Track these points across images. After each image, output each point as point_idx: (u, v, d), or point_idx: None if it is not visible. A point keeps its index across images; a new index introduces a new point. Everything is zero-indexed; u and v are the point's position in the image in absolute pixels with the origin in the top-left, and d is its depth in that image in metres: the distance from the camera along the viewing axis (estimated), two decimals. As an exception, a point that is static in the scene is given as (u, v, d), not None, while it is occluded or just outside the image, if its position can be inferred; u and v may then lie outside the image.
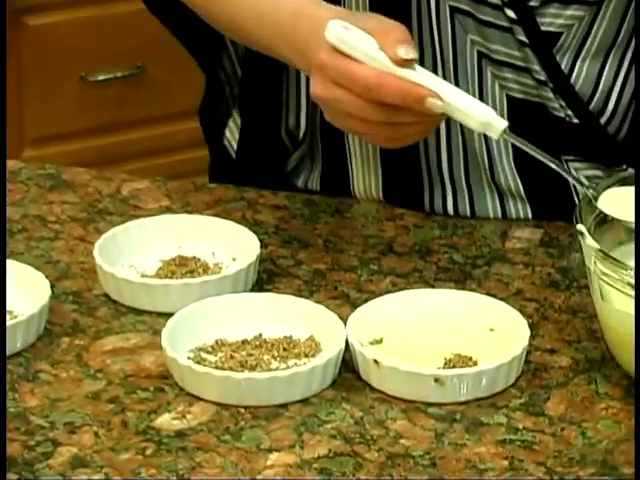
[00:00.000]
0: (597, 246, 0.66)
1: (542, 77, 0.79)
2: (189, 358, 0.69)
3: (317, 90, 0.71)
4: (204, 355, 0.70)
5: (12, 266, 0.75)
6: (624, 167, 0.84)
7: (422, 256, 0.80)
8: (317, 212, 0.85)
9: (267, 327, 0.72)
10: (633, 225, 0.68)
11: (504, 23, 0.78)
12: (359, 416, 0.67)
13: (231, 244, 0.79)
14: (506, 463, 0.64)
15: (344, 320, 0.71)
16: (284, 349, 0.70)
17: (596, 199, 0.69)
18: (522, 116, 0.81)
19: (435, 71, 0.80)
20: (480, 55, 0.79)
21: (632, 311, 0.65)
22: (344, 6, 0.79)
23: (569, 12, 0.79)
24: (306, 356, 0.70)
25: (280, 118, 0.85)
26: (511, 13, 0.78)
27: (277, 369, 0.69)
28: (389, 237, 0.82)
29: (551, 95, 0.80)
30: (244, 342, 0.71)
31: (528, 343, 0.70)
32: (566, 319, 0.74)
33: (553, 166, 0.71)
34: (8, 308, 0.73)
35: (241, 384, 0.67)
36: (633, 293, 0.64)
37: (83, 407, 0.67)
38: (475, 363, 0.69)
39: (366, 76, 0.69)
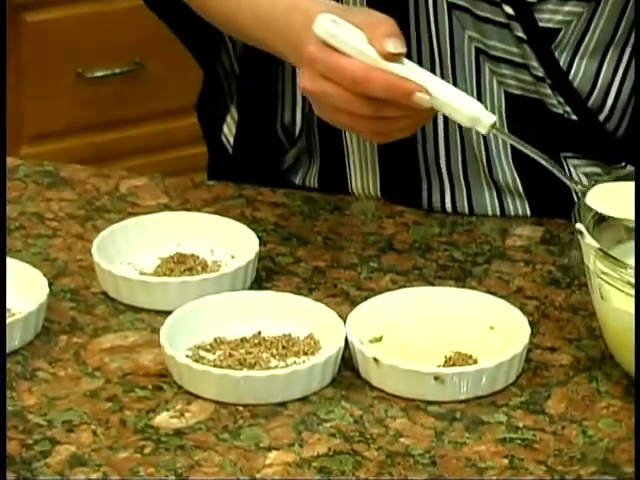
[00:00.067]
0: (596, 245, 0.66)
1: (540, 73, 0.79)
2: (187, 356, 0.69)
3: (306, 83, 0.71)
4: (203, 353, 0.70)
5: (10, 264, 0.74)
6: (623, 164, 0.84)
7: (422, 254, 0.80)
8: (316, 209, 0.84)
9: (266, 325, 0.72)
10: (623, 221, 0.67)
11: (502, 19, 0.78)
12: (359, 414, 0.67)
13: (230, 242, 0.78)
14: (506, 462, 0.64)
15: (343, 318, 0.71)
16: (283, 347, 0.70)
17: (585, 195, 0.69)
18: (520, 113, 0.80)
19: (433, 67, 0.80)
20: (478, 51, 0.79)
21: (632, 310, 0.65)
22: (342, 2, 0.78)
23: (567, 8, 0.78)
24: (305, 354, 0.70)
25: (276, 114, 0.85)
26: (509, 9, 0.78)
27: (276, 367, 0.69)
28: (389, 234, 0.82)
29: (549, 92, 0.80)
30: (243, 340, 0.71)
31: (528, 341, 0.69)
32: (567, 317, 0.74)
33: (542, 162, 0.71)
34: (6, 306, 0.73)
35: (240, 382, 0.67)
36: (633, 292, 0.64)
37: (81, 405, 0.67)
38: (475, 361, 0.69)
39: (354, 70, 0.69)
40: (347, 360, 0.69)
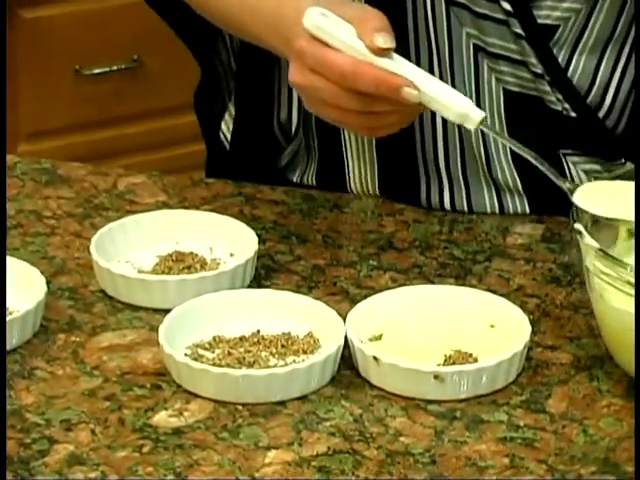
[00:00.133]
0: (596, 245, 0.65)
1: (539, 70, 0.79)
2: (186, 355, 0.69)
3: (295, 77, 0.71)
4: (201, 352, 0.69)
5: (8, 262, 0.74)
6: (622, 161, 0.83)
7: (422, 252, 0.79)
8: (316, 207, 0.84)
9: (265, 323, 0.71)
10: (611, 220, 0.67)
11: (500, 16, 0.78)
12: (358, 413, 0.66)
13: (229, 240, 0.78)
14: (507, 461, 0.63)
15: (343, 316, 0.70)
16: (282, 346, 0.70)
17: (572, 193, 0.69)
18: (519, 110, 0.80)
19: (431, 65, 0.80)
20: (476, 48, 0.79)
21: (631, 310, 0.64)
22: None
23: (566, 5, 0.78)
24: (305, 353, 0.70)
25: (272, 112, 0.85)
26: (507, 5, 0.78)
27: (275, 366, 0.68)
28: (388, 232, 0.81)
29: (548, 88, 0.80)
30: (242, 339, 0.71)
31: (529, 340, 0.69)
32: (568, 315, 0.74)
33: (529, 158, 0.71)
34: (3, 304, 0.72)
35: (239, 381, 0.66)
36: (632, 291, 0.64)
37: (79, 404, 0.67)
38: (475, 360, 0.69)
39: (342, 64, 0.69)
40: (347, 359, 0.69)
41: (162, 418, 0.66)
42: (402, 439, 0.65)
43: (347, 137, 0.84)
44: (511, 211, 0.83)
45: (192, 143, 1.26)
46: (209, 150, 0.92)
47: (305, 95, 0.72)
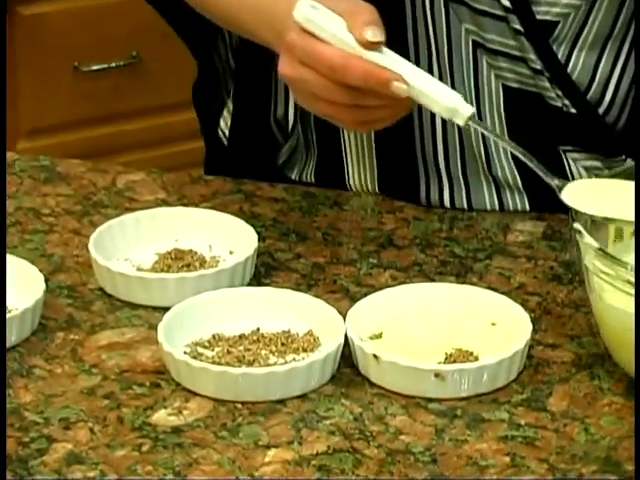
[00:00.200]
0: (596, 244, 0.65)
1: (538, 66, 0.79)
2: (185, 353, 0.69)
3: (285, 69, 0.70)
4: (201, 350, 0.69)
5: (6, 260, 0.74)
6: (623, 157, 0.83)
7: (422, 249, 0.79)
8: (316, 204, 0.84)
9: (265, 322, 0.71)
10: (598, 217, 0.67)
11: (499, 12, 0.78)
12: (358, 412, 0.66)
13: (228, 237, 0.78)
14: (508, 459, 0.63)
15: (343, 314, 0.70)
16: (282, 344, 0.70)
17: (561, 190, 0.68)
18: (519, 106, 0.80)
19: (430, 61, 0.80)
20: (475, 44, 0.79)
21: (631, 309, 0.64)
22: None
23: (565, 1, 0.78)
24: (304, 351, 0.69)
25: (269, 108, 0.85)
26: (506, 1, 0.77)
27: (275, 364, 0.68)
28: (389, 230, 0.81)
29: (547, 85, 0.79)
30: (241, 337, 0.70)
31: (530, 338, 0.69)
32: (569, 313, 0.73)
33: (519, 154, 0.71)
34: (1, 302, 0.72)
35: (238, 379, 0.66)
36: (632, 291, 0.64)
37: (78, 403, 0.67)
38: (476, 358, 0.68)
39: (332, 57, 0.68)
40: (347, 357, 0.69)
41: (161, 417, 0.66)
42: (402, 438, 0.64)
43: (346, 134, 0.84)
44: (511, 208, 0.83)
45: (191, 140, 1.26)
46: (208, 147, 0.92)
47: (295, 88, 0.71)
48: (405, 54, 0.79)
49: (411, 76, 0.69)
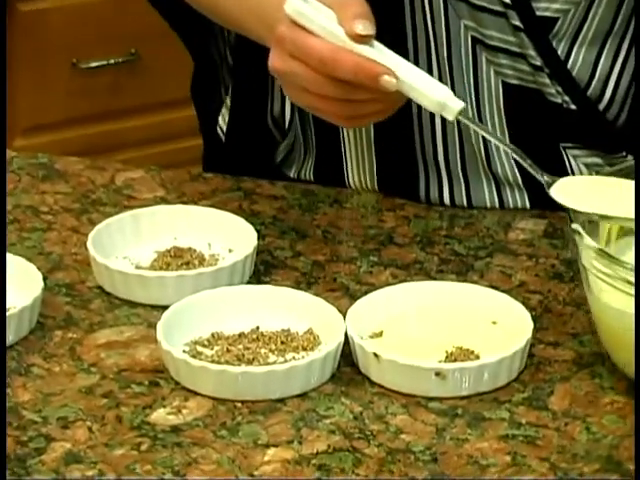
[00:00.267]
0: (596, 245, 0.65)
1: (538, 63, 0.79)
2: (184, 352, 0.68)
3: (274, 62, 0.70)
4: (200, 349, 0.69)
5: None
6: (624, 154, 0.83)
7: (423, 247, 0.79)
8: (315, 202, 0.84)
9: (264, 320, 0.71)
10: (585, 214, 0.66)
11: (498, 8, 0.77)
12: (358, 411, 0.66)
13: (227, 235, 0.77)
14: (509, 459, 0.63)
15: (343, 313, 0.70)
16: (282, 342, 0.69)
17: (550, 186, 0.68)
18: (518, 103, 0.80)
19: (429, 57, 0.79)
20: (474, 41, 0.79)
21: (630, 309, 0.64)
22: None
23: (564, -4, 0.78)
24: (304, 349, 0.69)
25: (266, 106, 0.84)
26: (505, -3, 0.77)
27: (275, 363, 0.68)
28: (389, 228, 0.81)
29: (547, 81, 0.79)
30: (241, 335, 0.70)
31: (531, 336, 0.69)
32: (570, 312, 0.73)
33: (508, 150, 0.71)
34: (-1, 300, 0.72)
35: (238, 378, 0.66)
36: (632, 291, 0.63)
37: (76, 402, 0.66)
38: (477, 356, 0.68)
39: (322, 50, 0.68)
40: (347, 355, 0.69)
41: (160, 416, 0.65)
42: (403, 437, 0.64)
43: (345, 132, 0.83)
44: (511, 206, 0.83)
45: (191, 137, 1.25)
46: (206, 144, 0.92)
47: (284, 81, 0.71)
48: (404, 50, 0.78)
49: (401, 70, 0.68)
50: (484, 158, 0.82)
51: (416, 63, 0.79)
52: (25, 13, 1.46)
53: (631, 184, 0.68)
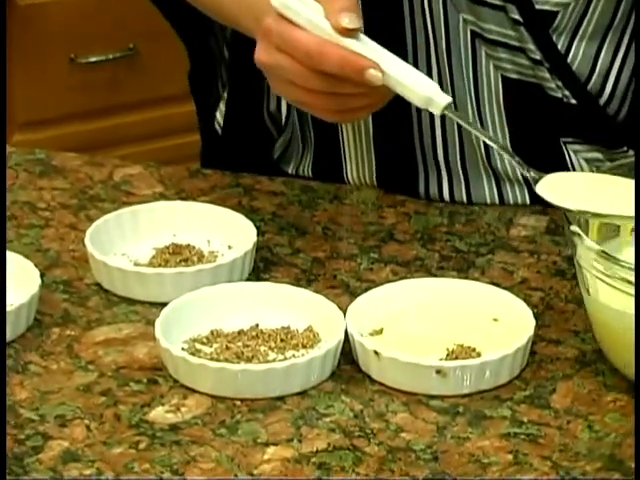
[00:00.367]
0: (597, 247, 0.64)
1: (538, 57, 0.78)
2: (183, 349, 0.68)
3: (260, 55, 0.70)
4: (199, 346, 0.68)
5: (1, 254, 0.73)
6: (624, 149, 0.82)
7: (424, 244, 0.78)
8: (315, 199, 0.83)
9: (264, 317, 0.70)
10: (572, 211, 0.66)
11: (497, 1, 0.77)
12: (359, 409, 0.65)
13: (227, 232, 0.77)
14: (510, 457, 0.63)
15: (343, 310, 0.69)
16: (281, 340, 0.69)
17: (536, 182, 0.68)
18: (518, 97, 0.79)
19: (428, 52, 0.79)
20: (473, 35, 0.78)
21: (631, 310, 0.63)
22: None
23: (564, -10, 0.77)
24: (304, 347, 0.69)
25: (262, 101, 0.84)
26: (504, -9, 0.77)
27: (274, 360, 0.67)
28: (390, 224, 0.80)
29: (547, 75, 0.79)
30: (240, 333, 0.70)
31: (533, 334, 0.68)
32: (572, 309, 0.73)
33: (495, 146, 0.70)
34: (-4, 298, 0.71)
35: (237, 376, 0.65)
36: (632, 291, 0.63)
37: (74, 400, 0.66)
38: (478, 354, 0.68)
39: (308, 43, 0.68)
40: (347, 353, 0.68)
41: (159, 414, 0.65)
42: (403, 435, 0.64)
43: (344, 128, 0.83)
44: (511, 202, 0.83)
45: (189, 133, 1.25)
46: (204, 139, 0.92)
47: (270, 75, 0.71)
48: (402, 45, 0.78)
49: (387, 64, 0.68)
50: (484, 153, 0.82)
51: (415, 58, 0.79)
52: (23, 7, 1.45)
53: (619, 181, 0.68)
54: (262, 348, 0.68)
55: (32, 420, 0.64)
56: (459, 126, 0.81)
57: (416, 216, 0.81)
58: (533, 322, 0.69)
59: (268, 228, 0.80)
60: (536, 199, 0.82)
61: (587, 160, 0.82)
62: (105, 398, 0.66)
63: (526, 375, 0.68)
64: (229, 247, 0.77)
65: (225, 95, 0.88)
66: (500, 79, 0.79)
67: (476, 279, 0.74)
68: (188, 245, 0.77)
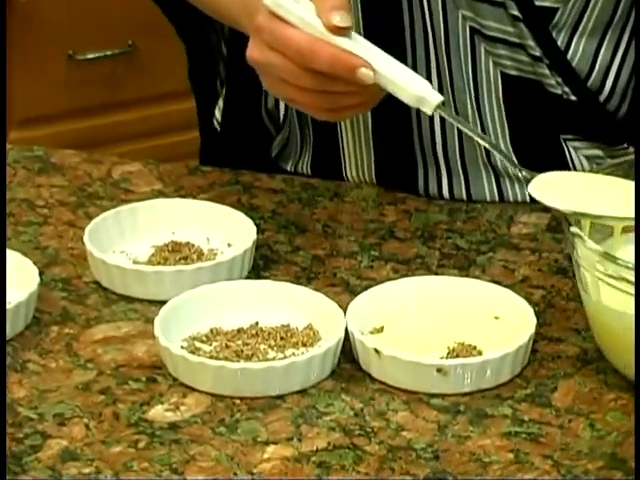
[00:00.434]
0: (600, 249, 0.64)
1: (537, 53, 0.78)
2: (183, 347, 0.68)
3: (252, 53, 0.70)
4: (198, 344, 0.68)
5: None
6: (625, 146, 0.82)
7: (424, 242, 0.78)
8: (315, 196, 0.83)
9: (264, 315, 0.70)
10: (564, 212, 0.66)
11: None
12: (359, 407, 0.65)
13: (226, 229, 0.77)
14: (511, 456, 0.62)
15: (343, 308, 0.69)
16: (281, 338, 0.69)
17: (528, 182, 0.68)
18: (518, 94, 0.79)
19: (427, 48, 0.79)
20: (472, 31, 0.78)
21: (631, 310, 0.63)
22: None
23: (564, -13, 0.77)
24: (304, 345, 0.68)
25: (260, 99, 0.84)
26: (503, -13, 0.76)
27: (274, 359, 0.67)
28: (390, 222, 0.80)
29: (547, 72, 0.79)
30: (240, 331, 0.69)
31: (534, 332, 0.68)
32: (574, 307, 0.72)
33: (487, 145, 0.70)
34: (-5, 296, 0.71)
35: (237, 374, 0.65)
36: (632, 290, 0.63)
37: (73, 398, 0.66)
38: (479, 352, 0.68)
39: (299, 41, 0.68)
40: (347, 351, 0.68)
41: (158, 412, 0.65)
42: (404, 434, 0.63)
43: (343, 125, 0.83)
44: (511, 199, 0.82)
45: (188, 130, 1.24)
46: (203, 136, 0.91)
47: (262, 72, 0.71)
48: (401, 42, 0.77)
49: (379, 62, 0.68)
50: (483, 150, 0.82)
51: (414, 55, 0.79)
52: (21, 4, 1.45)
53: (611, 181, 0.68)
54: (262, 346, 0.68)
55: (31, 419, 0.64)
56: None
57: (417, 214, 0.81)
58: (534, 320, 0.69)
59: (268, 226, 0.80)
60: (535, 196, 0.83)
61: (587, 157, 0.82)
62: (104, 396, 0.66)
63: (527, 373, 0.67)
64: (228, 245, 0.77)
65: (223, 92, 0.87)
66: (500, 76, 0.79)
67: (477, 277, 0.74)
68: (187, 243, 0.76)
